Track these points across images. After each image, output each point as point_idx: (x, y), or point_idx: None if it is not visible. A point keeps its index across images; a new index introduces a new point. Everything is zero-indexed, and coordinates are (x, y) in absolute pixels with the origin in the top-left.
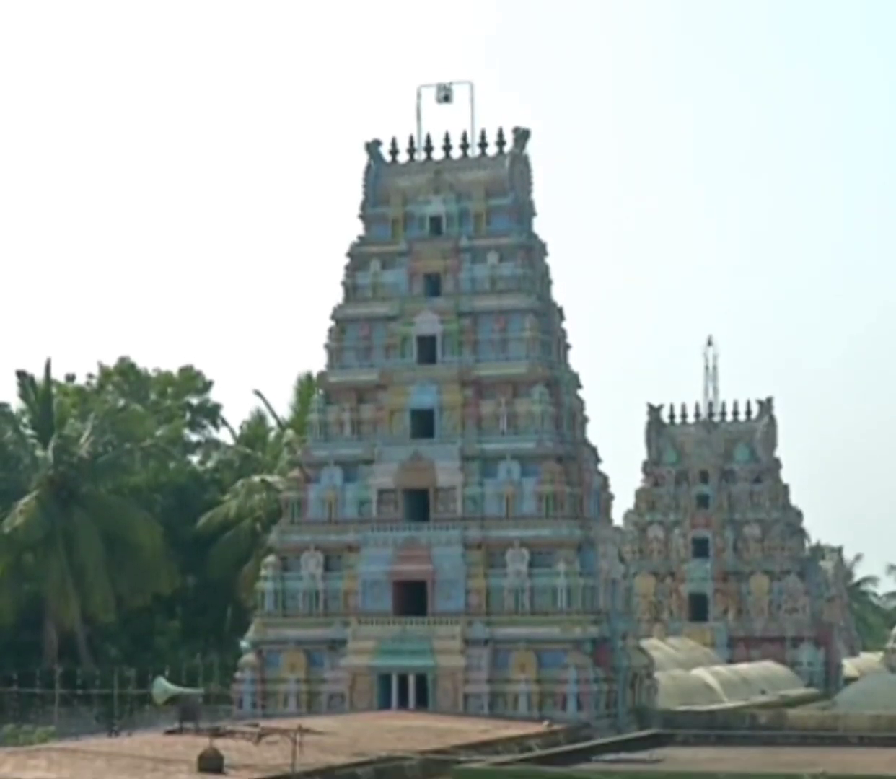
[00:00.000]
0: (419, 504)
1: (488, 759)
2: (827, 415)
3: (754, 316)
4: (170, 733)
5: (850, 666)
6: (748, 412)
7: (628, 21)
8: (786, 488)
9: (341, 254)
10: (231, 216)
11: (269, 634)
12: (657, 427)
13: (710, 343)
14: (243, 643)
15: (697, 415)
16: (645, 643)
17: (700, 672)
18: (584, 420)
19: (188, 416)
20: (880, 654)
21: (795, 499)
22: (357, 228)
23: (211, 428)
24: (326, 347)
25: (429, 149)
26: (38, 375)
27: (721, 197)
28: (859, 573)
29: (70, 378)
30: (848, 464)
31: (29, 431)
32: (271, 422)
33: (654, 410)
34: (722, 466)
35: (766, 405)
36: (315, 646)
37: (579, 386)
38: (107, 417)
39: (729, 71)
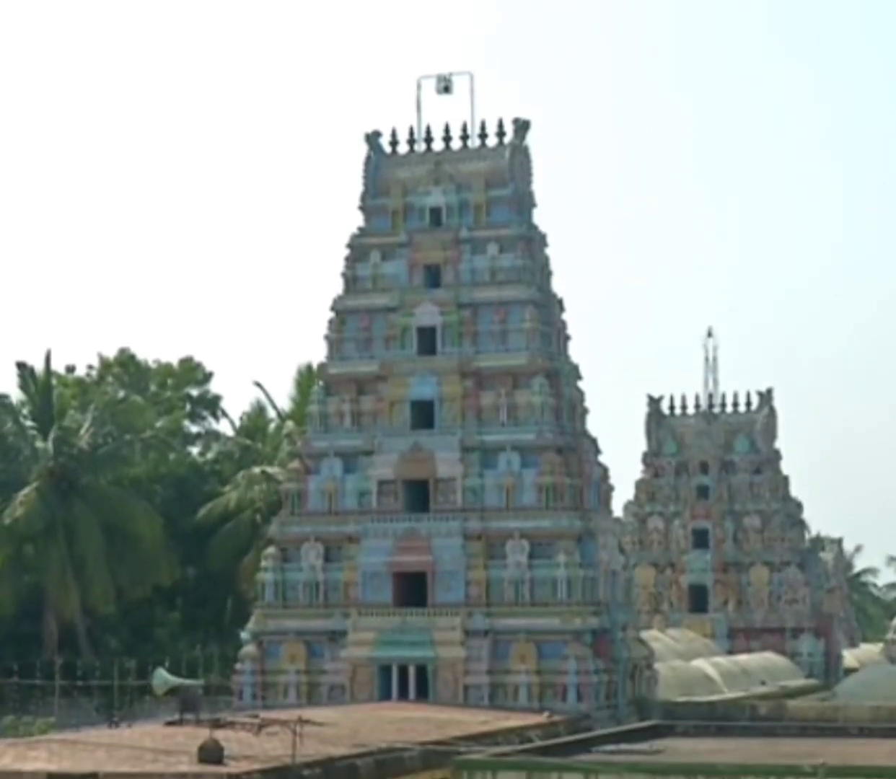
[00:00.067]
0: (419, 495)
1: (488, 750)
2: (827, 406)
3: (754, 307)
4: (170, 724)
5: (850, 657)
6: (748, 403)
7: (629, 12)
8: (786, 479)
9: (341, 245)
10: (231, 208)
11: (270, 625)
12: (657, 418)
13: (710, 334)
14: (243, 635)
15: (697, 406)
16: (645, 634)
17: (700, 663)
18: (584, 411)
19: (188, 407)
20: (880, 645)
21: (795, 490)
22: (357, 220)
23: (211, 419)
24: (326, 338)
25: (429, 140)
26: (39, 366)
27: (722, 188)
28: (859, 564)
29: (70, 369)
30: (848, 455)
31: (29, 423)
32: (271, 413)
33: (654, 402)
34: (722, 457)
35: (766, 396)
36: (315, 637)
37: (579, 377)
38: (107, 409)
39: (729, 66)
